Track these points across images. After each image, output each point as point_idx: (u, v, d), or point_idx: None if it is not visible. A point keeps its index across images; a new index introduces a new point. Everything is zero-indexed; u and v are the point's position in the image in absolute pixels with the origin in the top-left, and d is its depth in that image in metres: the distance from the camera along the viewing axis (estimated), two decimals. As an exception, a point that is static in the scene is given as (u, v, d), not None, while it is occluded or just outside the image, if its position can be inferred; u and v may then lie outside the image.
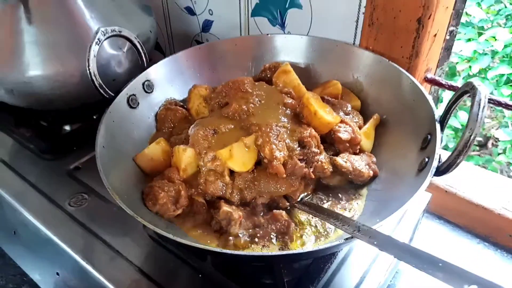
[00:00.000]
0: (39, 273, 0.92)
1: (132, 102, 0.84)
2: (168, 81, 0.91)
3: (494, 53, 2.01)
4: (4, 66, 0.93)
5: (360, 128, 0.83)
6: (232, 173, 0.72)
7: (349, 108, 0.85)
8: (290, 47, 0.96)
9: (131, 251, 0.79)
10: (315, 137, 0.74)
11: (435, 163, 0.62)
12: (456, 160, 0.58)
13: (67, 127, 1.11)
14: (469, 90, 0.61)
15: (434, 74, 0.99)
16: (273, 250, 0.68)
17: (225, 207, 0.69)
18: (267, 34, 0.97)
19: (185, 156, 0.74)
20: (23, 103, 0.98)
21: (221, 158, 0.71)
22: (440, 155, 0.64)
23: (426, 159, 0.66)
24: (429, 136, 0.70)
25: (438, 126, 0.68)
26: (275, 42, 0.97)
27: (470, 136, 0.56)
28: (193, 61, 0.94)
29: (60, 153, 1.02)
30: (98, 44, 0.78)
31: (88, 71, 0.77)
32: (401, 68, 0.82)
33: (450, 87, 0.94)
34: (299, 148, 0.72)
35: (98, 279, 0.75)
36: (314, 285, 0.70)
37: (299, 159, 0.71)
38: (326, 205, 0.76)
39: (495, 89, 1.97)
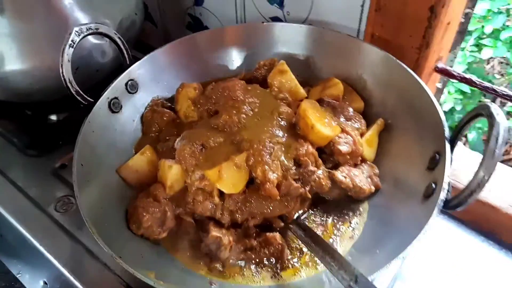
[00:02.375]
0: (27, 278, 0.90)
1: (114, 107, 0.77)
2: (154, 78, 0.84)
3: (509, 12, 1.86)
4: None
5: (362, 134, 0.76)
6: (222, 193, 0.67)
7: (351, 112, 0.77)
8: (288, 37, 0.87)
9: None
10: (312, 154, 0.67)
11: (442, 195, 0.56)
12: (467, 199, 0.53)
13: (53, 117, 1.04)
14: (485, 115, 0.54)
15: (446, 63, 0.91)
16: (264, 278, 0.64)
17: (214, 232, 0.64)
18: (262, 22, 0.87)
19: (171, 173, 0.68)
20: (1, 96, 0.91)
21: (209, 179, 0.65)
22: (449, 184, 0.58)
23: (433, 185, 0.60)
24: (437, 156, 0.63)
25: (448, 147, 0.61)
26: (271, 32, 0.87)
27: (484, 176, 0.50)
28: (180, 54, 0.85)
29: (45, 149, 0.96)
30: (72, 47, 0.70)
31: (62, 78, 0.69)
32: (410, 70, 0.74)
33: (462, 79, 0.86)
34: (294, 167, 0.66)
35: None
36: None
37: (294, 179, 0.66)
38: (324, 222, 0.71)
39: (508, 51, 1.84)
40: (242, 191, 0.66)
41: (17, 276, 0.92)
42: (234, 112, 0.70)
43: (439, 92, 0.98)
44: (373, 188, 0.71)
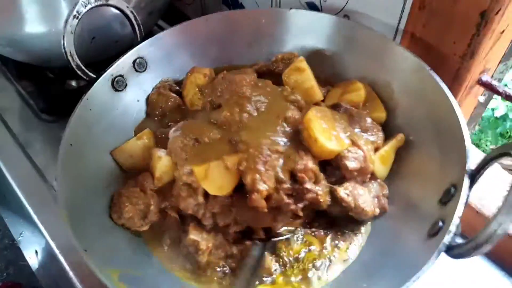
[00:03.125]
0: (25, 242, 0.90)
1: (118, 85, 0.73)
2: (165, 58, 0.78)
3: None
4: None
5: (377, 149, 0.68)
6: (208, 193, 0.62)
7: (368, 123, 0.69)
8: (316, 28, 0.78)
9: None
10: (312, 170, 0.60)
11: (447, 239, 0.48)
12: (471, 253, 0.45)
13: (73, 83, 1.03)
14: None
15: (493, 75, 0.80)
16: (240, 291, 0.59)
17: (192, 235, 0.60)
18: (290, 9, 0.79)
19: (160, 164, 0.64)
20: (18, 58, 0.91)
21: (195, 176, 0.60)
22: (458, 226, 0.50)
23: (440, 223, 0.52)
24: (452, 190, 0.55)
25: (466, 183, 0.52)
26: (299, 20, 0.79)
27: (497, 231, 0.42)
28: (196, 35, 0.80)
29: (60, 115, 0.95)
30: (77, 18, 0.66)
31: (63, 50, 0.66)
32: (444, 86, 0.64)
33: (508, 97, 0.75)
34: (289, 182, 0.60)
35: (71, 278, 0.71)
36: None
37: (287, 194, 0.60)
38: (322, 238, 0.65)
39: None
40: (228, 195, 0.61)
41: (20, 236, 0.93)
42: (237, 109, 0.64)
43: (482, 106, 0.87)
44: (377, 210, 0.64)
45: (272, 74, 0.76)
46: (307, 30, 0.80)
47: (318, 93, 0.73)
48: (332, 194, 0.64)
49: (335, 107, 0.71)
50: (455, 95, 0.76)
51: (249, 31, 0.81)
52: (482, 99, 0.88)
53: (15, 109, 0.97)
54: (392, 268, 0.55)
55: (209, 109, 0.70)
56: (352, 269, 0.61)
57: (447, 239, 0.49)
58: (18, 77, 1.02)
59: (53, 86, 1.02)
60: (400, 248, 0.58)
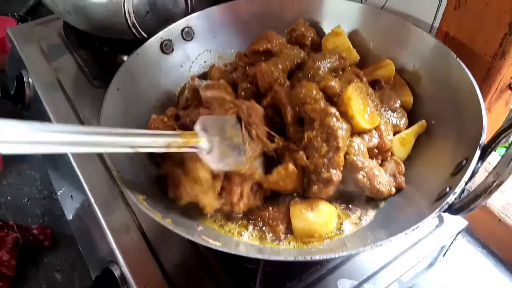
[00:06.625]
0: (61, 196, 0.97)
1: (166, 48, 0.80)
2: (211, 31, 0.86)
3: None
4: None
5: (398, 132, 0.72)
6: None
7: (398, 104, 0.73)
8: (351, 16, 0.84)
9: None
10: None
11: (450, 198, 0.51)
12: (470, 205, 0.47)
13: (124, 57, 1.12)
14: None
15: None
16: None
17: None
18: (331, -3, 0.85)
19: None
20: (80, 25, 1.00)
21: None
22: (464, 190, 0.52)
23: (448, 189, 0.55)
24: (464, 161, 0.57)
25: (478, 152, 0.55)
26: (336, 7, 0.85)
27: (494, 182, 0.44)
28: (244, 14, 0.87)
29: (109, 82, 1.03)
30: (138, -19, 0.74)
31: (123, 8, 0.74)
32: (467, 70, 0.67)
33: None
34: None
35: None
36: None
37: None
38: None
39: None
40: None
41: (60, 190, 1.00)
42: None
43: (513, 114, 0.88)
44: (393, 190, 0.66)
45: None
46: (342, 18, 0.85)
47: (354, 53, 0.79)
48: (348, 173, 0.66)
49: (373, 83, 0.75)
50: (484, 96, 0.78)
51: (289, 15, 0.87)
52: (515, 107, 0.89)
53: (71, 74, 1.06)
54: (394, 227, 0.57)
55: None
56: (362, 232, 0.64)
57: (450, 198, 0.51)
58: (78, 46, 1.12)
59: (106, 57, 1.11)
60: (408, 213, 0.60)
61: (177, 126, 0.71)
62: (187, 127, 0.69)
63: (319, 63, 0.70)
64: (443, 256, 0.81)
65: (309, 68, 0.70)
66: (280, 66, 0.71)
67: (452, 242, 0.77)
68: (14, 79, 1.06)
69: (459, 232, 0.74)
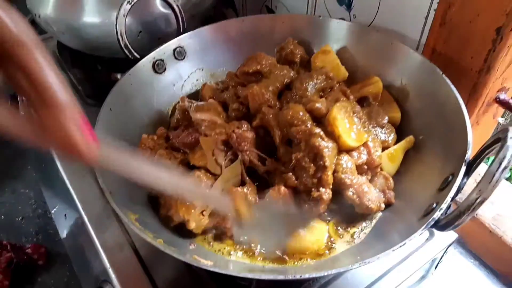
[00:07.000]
0: (57, 212, 0.98)
1: (158, 68, 0.82)
2: (202, 51, 0.87)
3: None
4: (62, 8, 0.95)
5: (387, 148, 0.73)
6: None
7: (386, 120, 0.74)
8: (340, 35, 0.86)
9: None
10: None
11: (437, 214, 0.52)
12: (455, 221, 0.48)
13: (118, 75, 1.13)
14: (501, 139, 0.49)
15: (512, 96, 0.83)
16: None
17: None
18: (319, 16, 0.87)
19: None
20: (73, 45, 1.01)
21: None
22: (450, 206, 0.53)
23: (434, 205, 0.56)
24: (450, 177, 0.58)
25: (463, 168, 0.56)
26: (328, 27, 0.87)
27: (477, 199, 0.45)
28: (233, 33, 0.88)
29: (103, 101, 1.04)
30: (130, 3, 0.76)
31: (115, 29, 0.76)
32: (452, 86, 0.69)
33: (526, 116, 0.78)
34: None
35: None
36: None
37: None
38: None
39: None
40: None
41: (54, 208, 1.01)
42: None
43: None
44: (383, 206, 0.67)
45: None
46: (331, 36, 0.87)
47: (343, 70, 0.81)
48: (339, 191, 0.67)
49: (362, 100, 0.77)
50: (472, 110, 0.80)
51: (281, 33, 0.88)
52: (502, 120, 0.90)
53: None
54: (384, 243, 0.58)
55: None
56: (353, 250, 0.65)
57: (437, 214, 0.52)
58: (71, 65, 1.13)
59: (100, 75, 1.13)
60: (398, 228, 0.61)
61: (167, 146, 0.72)
62: (176, 148, 0.71)
63: (307, 84, 0.71)
64: (435, 268, 0.82)
65: (297, 89, 0.72)
66: (270, 88, 0.73)
67: (443, 255, 0.78)
68: (9, 99, 1.07)
69: (450, 245, 0.75)
